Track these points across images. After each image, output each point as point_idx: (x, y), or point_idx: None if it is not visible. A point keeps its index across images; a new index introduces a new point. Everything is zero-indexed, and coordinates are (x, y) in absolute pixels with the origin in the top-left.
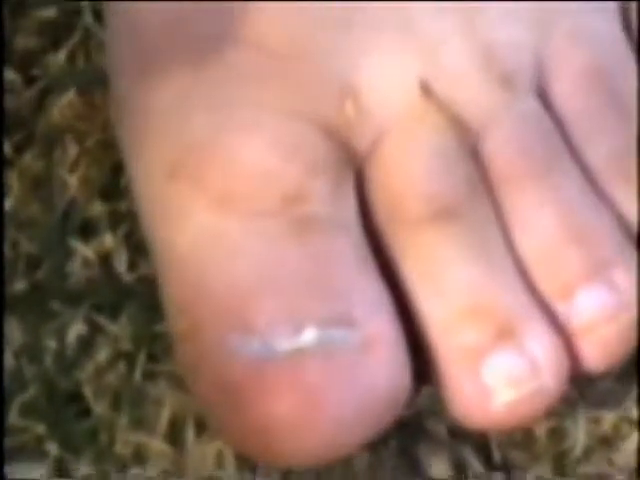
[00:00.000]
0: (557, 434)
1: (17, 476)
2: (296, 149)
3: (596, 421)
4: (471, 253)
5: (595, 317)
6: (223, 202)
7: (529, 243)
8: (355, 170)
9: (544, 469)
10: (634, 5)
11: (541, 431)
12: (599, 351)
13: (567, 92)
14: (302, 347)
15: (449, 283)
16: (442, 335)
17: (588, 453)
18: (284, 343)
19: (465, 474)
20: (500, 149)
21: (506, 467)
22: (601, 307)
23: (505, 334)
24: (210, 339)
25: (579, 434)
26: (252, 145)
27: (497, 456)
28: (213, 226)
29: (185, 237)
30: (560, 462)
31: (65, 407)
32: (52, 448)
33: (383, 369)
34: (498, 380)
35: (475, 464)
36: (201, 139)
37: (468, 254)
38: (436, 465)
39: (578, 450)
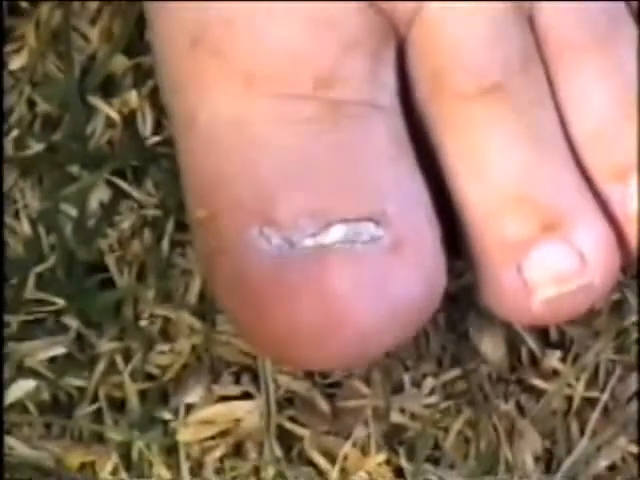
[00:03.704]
0: (620, 309)
1: (36, 351)
2: (330, 24)
3: None
4: (520, 134)
5: None
6: (248, 83)
7: (584, 120)
8: (396, 43)
9: (605, 347)
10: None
11: (603, 305)
12: None
13: None
14: (327, 245)
15: (494, 167)
16: (482, 224)
17: None
18: (308, 240)
19: (519, 352)
20: (559, 15)
21: (563, 345)
22: None
23: (552, 225)
24: (228, 231)
25: None
26: (281, 20)
27: (554, 332)
28: (236, 108)
29: (205, 116)
30: (623, 339)
31: (86, 279)
32: (72, 323)
33: (415, 272)
34: (541, 275)
35: (530, 341)
36: (226, 11)
37: (517, 135)
38: (487, 342)
39: None
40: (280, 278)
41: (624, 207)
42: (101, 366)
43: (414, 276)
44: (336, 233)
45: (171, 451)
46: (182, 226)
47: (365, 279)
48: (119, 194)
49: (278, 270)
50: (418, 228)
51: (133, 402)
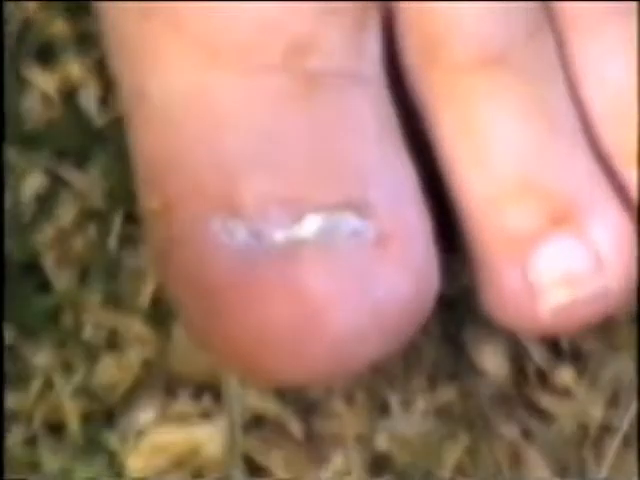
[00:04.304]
0: None
1: None
2: None
3: None
4: (527, 112)
5: None
6: (208, 52)
7: (601, 96)
8: (381, 9)
9: (624, 362)
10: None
11: (623, 315)
12: None
13: None
14: (301, 239)
15: (496, 149)
16: (482, 216)
17: None
18: (278, 232)
19: (525, 368)
20: None
21: (577, 360)
22: None
23: (563, 218)
24: (186, 222)
25: None
26: None
27: (565, 345)
28: (194, 81)
29: (159, 90)
30: None
31: (20, 281)
32: (5, 333)
33: (403, 271)
34: (551, 276)
35: (538, 355)
36: None
37: (523, 113)
38: (488, 356)
39: None
40: (246, 277)
41: None
42: (37, 383)
43: (401, 275)
44: (311, 225)
45: None
46: (132, 219)
47: (345, 278)
48: (58, 182)
49: (244, 268)
50: (406, 219)
51: (74, 425)
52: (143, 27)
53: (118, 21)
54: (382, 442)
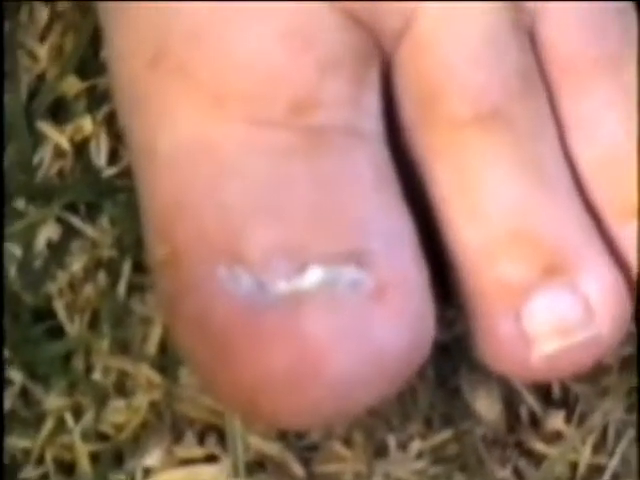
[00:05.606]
0: (631, 363)
1: None
2: (307, 40)
3: None
4: (520, 165)
5: None
6: (215, 105)
7: (592, 150)
8: (381, 64)
9: (614, 406)
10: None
11: (612, 360)
12: None
13: None
14: (303, 289)
15: (490, 202)
16: (476, 266)
17: None
18: (281, 283)
19: (517, 411)
20: (564, 30)
21: (567, 403)
22: None
23: (555, 269)
24: (192, 270)
25: None
26: (253, 35)
27: (557, 390)
28: (202, 133)
29: (168, 143)
30: (634, 398)
31: (32, 327)
32: (16, 376)
33: (400, 319)
34: (542, 325)
35: (530, 399)
36: (191, 25)
37: (516, 167)
38: (482, 400)
39: None
40: (250, 323)
41: (635, 247)
42: (48, 424)
43: (399, 323)
44: (313, 276)
45: None
46: (141, 268)
47: (345, 326)
48: (70, 232)
49: (248, 314)
50: (404, 270)
51: (84, 465)
52: (150, 76)
53: (127, 72)
54: None
